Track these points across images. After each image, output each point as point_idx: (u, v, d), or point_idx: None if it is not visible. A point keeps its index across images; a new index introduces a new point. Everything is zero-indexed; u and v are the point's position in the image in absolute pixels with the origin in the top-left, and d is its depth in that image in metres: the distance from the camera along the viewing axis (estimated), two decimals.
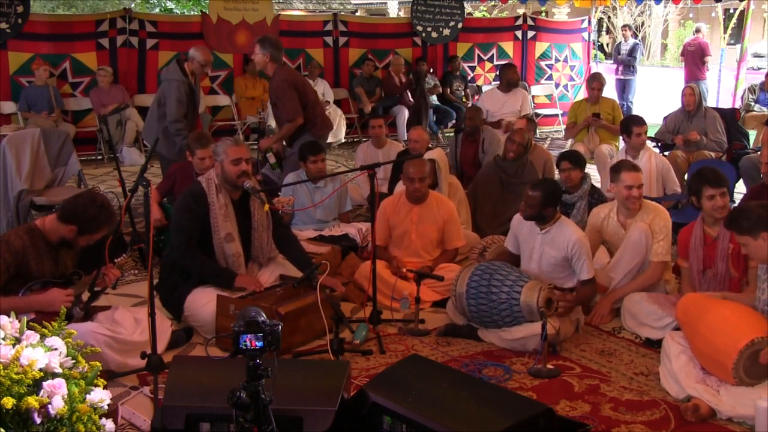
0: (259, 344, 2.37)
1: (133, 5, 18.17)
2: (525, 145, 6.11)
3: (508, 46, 12.57)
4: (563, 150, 7.20)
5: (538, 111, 12.07)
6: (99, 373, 2.81)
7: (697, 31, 12.48)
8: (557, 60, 12.84)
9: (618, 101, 9.54)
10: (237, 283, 4.27)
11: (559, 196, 4.48)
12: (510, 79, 8.88)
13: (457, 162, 7.10)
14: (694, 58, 11.99)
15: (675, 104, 7.78)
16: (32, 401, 2.47)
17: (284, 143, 6.24)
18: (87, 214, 3.67)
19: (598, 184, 6.38)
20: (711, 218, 4.16)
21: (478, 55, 12.42)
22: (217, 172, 4.35)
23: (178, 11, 20.12)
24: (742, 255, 3.80)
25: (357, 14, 20.76)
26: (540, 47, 12.71)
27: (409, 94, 10.97)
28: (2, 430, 2.43)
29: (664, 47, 23.52)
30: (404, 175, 5.05)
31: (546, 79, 12.77)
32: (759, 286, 3.58)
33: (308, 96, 6.12)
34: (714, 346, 3.39)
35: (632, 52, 12.16)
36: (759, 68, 11.44)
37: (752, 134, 8.43)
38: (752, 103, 9.32)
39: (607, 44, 22.50)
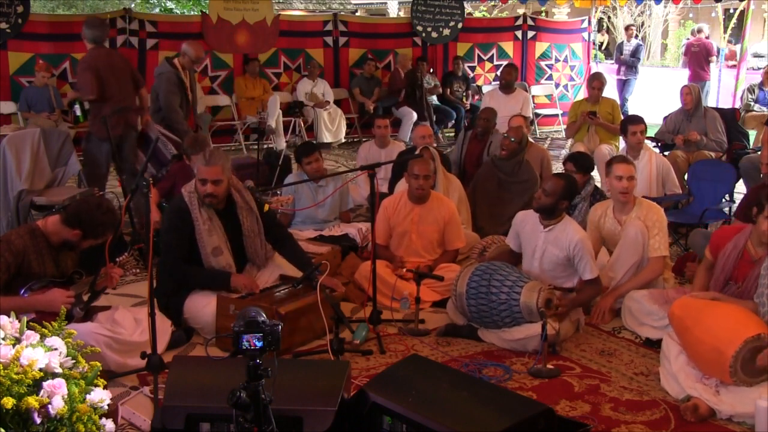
0: (259, 344, 2.37)
1: (133, 5, 18.15)
2: (518, 142, 6.11)
3: (508, 46, 12.56)
4: (563, 150, 7.20)
5: (538, 111, 12.05)
6: (99, 373, 2.81)
7: (699, 31, 12.44)
8: (557, 60, 12.83)
9: (619, 101, 9.52)
10: (232, 283, 4.25)
11: (576, 192, 4.58)
12: (504, 80, 8.89)
13: (461, 160, 7.09)
14: (699, 58, 11.93)
15: (675, 104, 7.77)
16: (32, 401, 2.47)
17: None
18: (94, 220, 3.69)
19: (599, 184, 6.38)
20: (759, 240, 3.79)
21: (478, 55, 12.41)
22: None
23: (178, 11, 20.10)
24: None
25: (357, 14, 20.71)
26: (540, 47, 12.70)
27: (403, 94, 10.94)
28: (2, 430, 2.43)
29: (664, 47, 23.46)
30: (409, 172, 5.04)
31: (546, 79, 12.76)
32: (761, 291, 3.55)
33: (109, 86, 6.04)
34: (711, 347, 3.38)
35: (636, 53, 12.10)
36: (759, 68, 11.38)
37: (752, 134, 8.43)
38: (752, 103, 9.31)
39: (601, 43, 22.41)
